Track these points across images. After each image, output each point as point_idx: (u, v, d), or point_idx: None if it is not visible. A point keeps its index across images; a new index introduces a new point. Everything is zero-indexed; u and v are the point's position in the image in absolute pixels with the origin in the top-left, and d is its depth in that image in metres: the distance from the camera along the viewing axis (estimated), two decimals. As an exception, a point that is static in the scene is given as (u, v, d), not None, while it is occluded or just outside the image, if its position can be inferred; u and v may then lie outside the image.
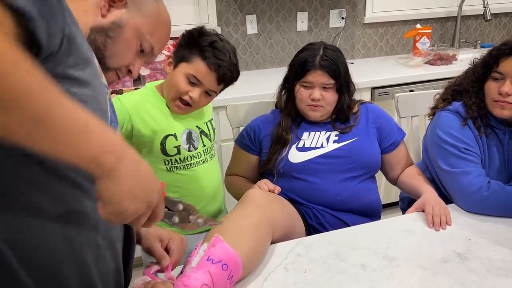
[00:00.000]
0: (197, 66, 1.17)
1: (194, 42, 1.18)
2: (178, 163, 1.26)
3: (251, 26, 2.56)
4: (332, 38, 2.75)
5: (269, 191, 1.21)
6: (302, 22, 2.66)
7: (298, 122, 1.40)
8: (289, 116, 1.39)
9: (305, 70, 1.31)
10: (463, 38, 3.01)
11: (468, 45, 3.01)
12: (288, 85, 1.39)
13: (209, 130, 1.34)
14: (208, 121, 1.35)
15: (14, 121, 0.46)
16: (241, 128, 1.53)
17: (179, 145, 1.25)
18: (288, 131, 1.36)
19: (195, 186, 1.30)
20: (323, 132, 1.36)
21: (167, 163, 1.26)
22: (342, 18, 2.72)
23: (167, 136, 1.23)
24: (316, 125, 1.38)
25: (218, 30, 2.47)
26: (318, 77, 1.29)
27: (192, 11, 2.42)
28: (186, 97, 1.20)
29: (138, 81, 2.24)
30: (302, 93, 1.33)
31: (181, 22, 2.38)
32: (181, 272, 0.90)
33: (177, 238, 0.94)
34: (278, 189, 1.22)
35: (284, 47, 2.68)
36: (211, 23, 2.46)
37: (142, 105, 1.23)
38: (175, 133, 1.24)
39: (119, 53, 0.81)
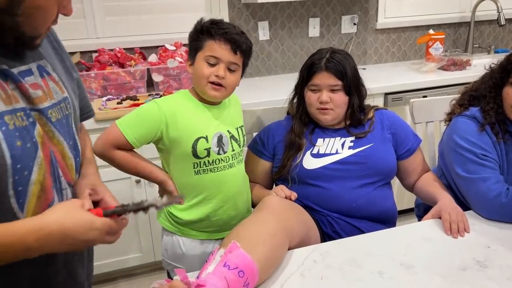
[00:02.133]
0: (210, 46, 1.21)
1: (198, 32, 1.22)
2: (206, 166, 1.27)
3: (263, 32, 2.57)
4: (344, 44, 2.75)
5: (286, 197, 1.20)
6: (314, 28, 2.66)
7: (312, 128, 1.39)
8: (301, 121, 1.38)
9: (311, 72, 1.32)
10: (477, 44, 2.99)
11: (481, 51, 2.98)
12: (298, 90, 1.39)
13: (239, 135, 1.34)
14: (239, 127, 1.36)
15: None
16: (254, 134, 1.53)
17: (210, 148, 1.25)
18: (301, 136, 1.36)
19: (219, 189, 1.30)
20: (338, 138, 1.36)
21: (196, 166, 1.26)
22: (354, 24, 2.72)
23: (198, 138, 1.25)
24: (330, 131, 1.38)
25: (231, 37, 2.48)
26: (324, 79, 1.29)
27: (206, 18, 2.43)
28: (213, 79, 1.22)
29: (151, 87, 2.26)
30: (310, 97, 1.33)
31: (194, 29, 2.40)
32: (197, 277, 0.90)
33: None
34: (294, 195, 1.21)
35: (296, 53, 2.68)
36: (224, 30, 2.47)
37: (177, 108, 1.25)
38: (206, 136, 1.25)
39: (38, 22, 0.72)
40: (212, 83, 1.22)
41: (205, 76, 1.21)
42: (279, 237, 1.03)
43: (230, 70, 1.23)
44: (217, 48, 1.20)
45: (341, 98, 1.31)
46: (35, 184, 0.73)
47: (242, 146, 1.35)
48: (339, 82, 1.30)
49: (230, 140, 1.30)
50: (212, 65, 1.21)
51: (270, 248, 0.99)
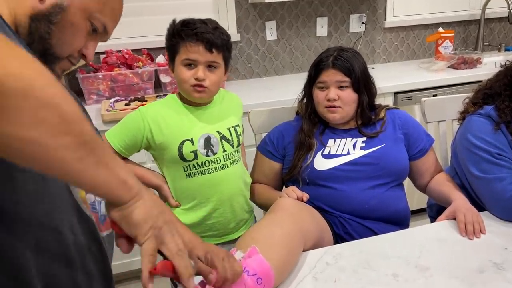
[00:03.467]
0: (184, 49, 1.20)
1: (171, 36, 1.21)
2: (196, 168, 1.26)
3: (271, 32, 2.56)
4: (352, 43, 2.72)
5: (297, 198, 1.19)
6: (321, 27, 2.64)
7: (322, 128, 1.38)
8: (310, 121, 1.37)
9: (318, 70, 1.30)
10: (487, 42, 2.95)
11: (492, 48, 2.94)
12: (307, 90, 1.38)
13: (231, 136, 1.33)
14: (232, 126, 1.34)
15: (64, 145, 0.50)
16: (264, 135, 1.51)
17: (196, 150, 1.25)
18: (311, 136, 1.34)
19: (212, 191, 1.29)
20: (349, 139, 1.34)
21: (186, 169, 1.26)
22: (362, 22, 2.69)
23: (184, 141, 1.24)
24: (341, 131, 1.36)
25: (238, 37, 2.48)
26: (331, 75, 1.28)
27: (213, 19, 2.42)
28: (193, 82, 1.21)
29: (159, 88, 2.26)
30: (318, 95, 1.31)
31: (201, 30, 2.40)
32: None
33: (213, 251, 0.78)
34: (306, 196, 1.20)
35: (304, 52, 2.66)
36: (231, 30, 2.46)
37: (161, 113, 1.26)
38: (191, 138, 1.25)
39: (67, 39, 0.73)
40: (195, 85, 1.21)
41: (185, 81, 1.21)
42: (295, 239, 1.02)
43: (210, 68, 1.22)
44: (191, 50, 1.19)
45: (349, 96, 1.29)
46: None
47: (237, 146, 1.34)
48: (347, 79, 1.28)
49: (221, 140, 1.29)
50: (191, 68, 1.21)
51: (287, 251, 0.98)
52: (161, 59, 2.23)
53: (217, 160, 1.28)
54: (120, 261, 2.02)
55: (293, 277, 0.98)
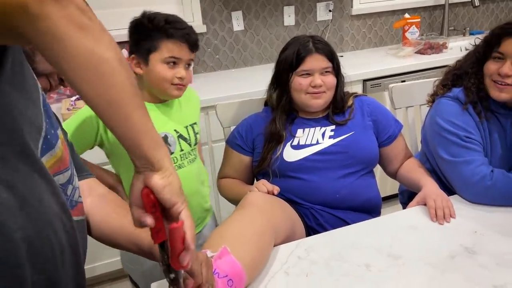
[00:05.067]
0: (168, 47, 1.17)
1: (150, 30, 1.17)
2: None
3: (237, 22, 2.50)
4: (320, 32, 2.70)
5: (268, 192, 1.16)
6: (289, 16, 2.61)
7: (292, 118, 1.35)
8: (284, 112, 1.33)
9: (301, 57, 1.26)
10: (452, 26, 2.98)
11: (457, 33, 2.98)
12: (280, 80, 1.33)
13: (189, 134, 1.29)
14: (190, 125, 1.31)
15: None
16: (232, 128, 1.47)
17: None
18: (283, 128, 1.31)
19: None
20: (317, 128, 1.31)
21: None
22: (330, 10, 2.67)
23: None
24: (311, 120, 1.33)
25: (204, 28, 2.42)
26: (316, 62, 1.26)
27: (176, 10, 2.35)
28: (176, 81, 1.19)
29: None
30: (301, 82, 1.27)
31: (165, 22, 2.32)
32: None
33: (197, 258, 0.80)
34: (277, 189, 1.17)
35: (272, 43, 2.62)
36: (196, 21, 2.40)
37: None
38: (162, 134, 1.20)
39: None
40: (177, 84, 1.20)
41: (168, 79, 1.18)
42: (266, 236, 0.99)
43: (187, 67, 1.22)
44: (177, 49, 1.17)
45: (332, 80, 1.28)
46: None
47: (194, 145, 1.31)
48: (330, 64, 1.27)
49: (178, 139, 1.26)
50: (172, 65, 1.18)
51: (257, 249, 0.95)
52: (123, 53, 2.14)
53: (174, 160, 1.25)
54: (104, 261, 1.95)
55: (264, 274, 0.95)
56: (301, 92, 1.28)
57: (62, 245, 0.62)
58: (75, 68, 0.55)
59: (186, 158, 1.28)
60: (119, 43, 2.03)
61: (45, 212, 0.59)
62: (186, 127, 1.29)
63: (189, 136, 1.29)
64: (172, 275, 0.69)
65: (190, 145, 1.28)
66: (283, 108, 1.33)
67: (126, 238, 0.86)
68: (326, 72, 1.27)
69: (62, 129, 0.80)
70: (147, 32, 1.16)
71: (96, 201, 0.86)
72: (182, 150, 1.26)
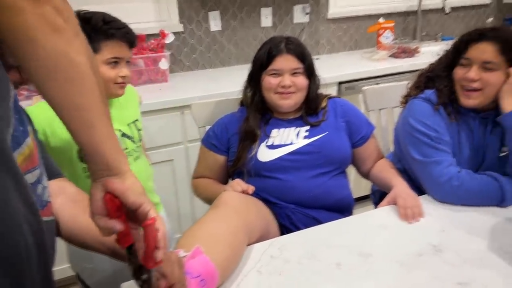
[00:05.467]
0: (109, 48, 1.16)
1: (88, 32, 1.14)
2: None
3: (215, 23, 2.50)
4: (297, 34, 2.72)
5: (243, 191, 1.16)
6: (266, 18, 2.62)
7: (267, 118, 1.36)
8: (257, 111, 1.34)
9: (271, 57, 1.27)
10: (424, 32, 3.06)
11: (429, 38, 3.06)
12: (254, 79, 1.34)
13: (132, 132, 1.29)
14: (132, 122, 1.31)
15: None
16: (208, 128, 1.47)
17: None
18: (257, 127, 1.32)
19: None
20: (292, 128, 1.32)
21: (86, 170, 1.21)
22: (307, 13, 2.70)
23: None
24: (285, 121, 1.34)
25: (180, 27, 2.40)
26: (286, 62, 1.26)
27: (153, 9, 2.33)
28: (119, 80, 1.20)
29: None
30: (271, 81, 1.28)
31: (142, 20, 2.30)
32: None
33: (167, 254, 0.80)
34: (252, 188, 1.17)
35: (249, 43, 2.63)
36: (173, 20, 2.38)
37: (54, 115, 1.18)
38: None
39: None
40: (120, 83, 1.20)
41: (111, 80, 1.18)
42: (240, 235, 0.99)
43: (128, 64, 1.23)
44: (119, 49, 1.17)
45: (303, 82, 1.29)
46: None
47: (138, 141, 1.31)
48: (301, 65, 1.27)
49: (121, 138, 1.26)
50: (114, 65, 1.18)
51: (231, 249, 0.95)
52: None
53: None
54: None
55: (237, 272, 0.95)
56: (271, 91, 1.29)
57: (29, 247, 0.61)
58: (44, 69, 0.53)
59: (131, 155, 1.28)
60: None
61: (12, 213, 0.57)
62: (129, 124, 1.28)
63: (133, 134, 1.29)
64: (145, 276, 0.68)
65: (134, 142, 1.29)
66: (256, 106, 1.34)
67: (95, 239, 0.84)
68: (297, 73, 1.28)
69: (32, 127, 0.78)
70: (85, 35, 1.15)
71: (65, 201, 0.84)
72: (126, 148, 1.26)
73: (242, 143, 1.31)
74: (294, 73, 1.28)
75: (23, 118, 0.65)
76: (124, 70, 1.20)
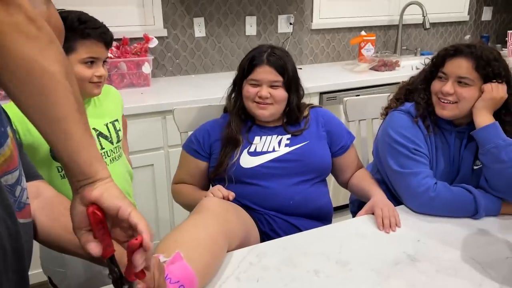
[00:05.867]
0: (85, 48, 1.16)
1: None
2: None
3: (199, 29, 2.51)
4: (280, 44, 2.75)
5: (223, 197, 1.16)
6: (250, 26, 2.65)
7: (249, 126, 1.36)
8: (238, 116, 1.35)
9: (252, 65, 1.29)
10: (405, 46, 3.14)
11: (409, 52, 3.14)
12: (237, 85, 1.36)
13: (109, 131, 1.28)
14: (110, 122, 1.30)
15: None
16: (190, 133, 1.47)
17: None
18: (238, 133, 1.32)
19: None
20: (274, 136, 1.34)
21: (60, 169, 1.20)
22: (290, 23, 2.73)
23: None
24: (267, 129, 1.36)
25: (164, 32, 2.40)
26: (265, 73, 1.27)
27: (137, 13, 2.33)
28: (96, 79, 1.20)
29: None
30: (249, 90, 1.30)
31: (126, 23, 2.29)
32: None
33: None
34: (232, 195, 1.18)
35: (233, 51, 2.64)
36: (157, 25, 2.38)
37: None
38: None
39: None
40: (96, 82, 1.20)
41: (87, 79, 1.18)
42: (219, 242, 0.99)
43: (104, 63, 1.23)
44: (95, 49, 1.17)
45: (281, 94, 1.29)
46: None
47: (117, 143, 1.31)
48: (280, 78, 1.28)
49: (98, 138, 1.25)
50: (90, 64, 1.18)
51: (210, 255, 0.94)
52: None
53: None
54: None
55: (216, 279, 0.95)
56: (249, 100, 1.31)
57: (5, 250, 0.60)
58: (16, 79, 0.52)
59: (108, 156, 1.27)
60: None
61: None
62: (106, 124, 1.28)
63: (110, 134, 1.28)
64: (126, 287, 0.67)
65: (112, 143, 1.28)
66: (237, 112, 1.35)
67: (73, 243, 0.83)
68: (275, 85, 1.29)
69: (12, 127, 0.76)
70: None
71: (43, 203, 0.83)
72: (103, 148, 1.25)
73: (224, 148, 1.32)
74: (272, 86, 1.29)
75: (3, 119, 0.64)
76: (100, 70, 1.19)
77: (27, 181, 0.75)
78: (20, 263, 0.65)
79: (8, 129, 0.65)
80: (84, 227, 0.62)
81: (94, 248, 0.62)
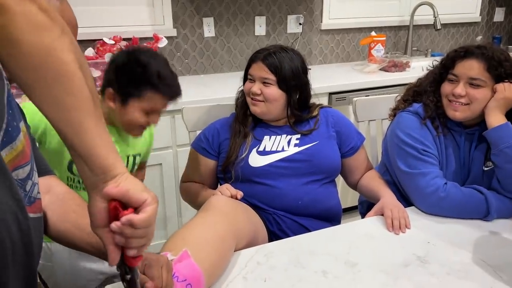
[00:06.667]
0: (152, 99, 1.16)
1: (139, 79, 1.14)
2: (79, 184, 1.22)
3: (208, 29, 2.51)
4: (290, 44, 2.75)
5: (231, 196, 1.16)
6: (260, 26, 2.64)
7: (256, 124, 1.36)
8: (242, 109, 1.37)
9: (250, 62, 1.33)
10: (415, 47, 3.11)
11: (419, 53, 3.11)
12: (244, 81, 1.38)
13: (128, 164, 1.29)
14: (132, 155, 1.30)
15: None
16: (198, 132, 1.47)
17: None
18: (246, 124, 1.34)
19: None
20: (284, 136, 1.33)
21: (69, 180, 1.21)
22: (300, 24, 2.73)
23: None
24: (275, 128, 1.35)
25: (174, 32, 2.41)
26: (257, 70, 1.30)
27: (147, 12, 2.34)
28: (146, 125, 1.20)
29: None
30: (246, 86, 1.33)
31: (136, 23, 2.30)
32: None
33: (152, 259, 0.81)
34: (240, 194, 1.17)
35: (242, 51, 2.64)
36: (167, 25, 2.38)
37: None
38: None
39: None
40: (142, 126, 1.21)
41: (139, 123, 1.19)
42: (227, 241, 0.99)
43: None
44: (159, 102, 1.17)
45: (272, 93, 1.28)
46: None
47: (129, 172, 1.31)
48: (271, 76, 1.28)
49: None
50: (148, 114, 1.18)
51: (219, 253, 0.94)
52: (90, 51, 2.10)
53: None
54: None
55: (223, 278, 0.95)
56: (247, 95, 1.34)
57: (15, 244, 0.60)
58: (30, 68, 0.51)
59: None
60: (89, 41, 2.01)
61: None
62: (128, 156, 1.28)
63: (127, 165, 1.28)
64: (128, 276, 0.67)
65: None
66: (242, 107, 1.37)
67: (83, 239, 0.83)
68: (267, 83, 1.29)
69: (26, 122, 0.77)
70: (136, 79, 1.13)
71: (54, 198, 0.83)
72: None
73: (233, 139, 1.32)
74: (264, 82, 1.29)
75: (16, 114, 0.64)
76: (156, 120, 1.20)
77: (39, 176, 0.76)
78: (29, 259, 0.65)
79: (21, 124, 0.65)
80: (105, 225, 0.61)
81: (115, 253, 0.61)
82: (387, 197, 1.25)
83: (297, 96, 1.32)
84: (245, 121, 1.35)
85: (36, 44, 0.51)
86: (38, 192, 0.70)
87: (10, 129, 0.60)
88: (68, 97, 0.55)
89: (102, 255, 0.82)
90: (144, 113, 1.17)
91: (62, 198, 0.83)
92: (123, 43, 2.15)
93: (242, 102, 1.38)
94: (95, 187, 0.60)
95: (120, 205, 0.60)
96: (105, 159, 0.59)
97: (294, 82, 1.30)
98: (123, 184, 0.60)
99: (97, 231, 0.62)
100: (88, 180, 0.60)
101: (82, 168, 0.60)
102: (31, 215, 0.65)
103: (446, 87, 1.26)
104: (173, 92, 1.19)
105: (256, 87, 1.29)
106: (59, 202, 0.83)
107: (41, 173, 0.80)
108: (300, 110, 1.35)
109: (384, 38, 2.80)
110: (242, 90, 1.39)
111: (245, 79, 1.37)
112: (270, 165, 1.28)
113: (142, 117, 1.17)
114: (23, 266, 0.62)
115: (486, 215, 1.18)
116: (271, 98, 1.29)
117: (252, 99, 1.31)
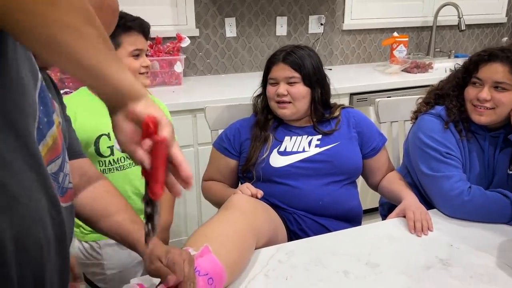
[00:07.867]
0: (129, 41, 1.25)
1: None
2: (112, 165, 1.26)
3: (230, 29, 2.53)
4: (311, 44, 2.74)
5: (252, 195, 1.17)
6: (281, 26, 2.65)
7: (276, 125, 1.37)
8: (263, 116, 1.37)
9: (270, 65, 1.32)
10: (438, 48, 3.07)
11: (442, 55, 3.06)
12: (263, 86, 1.39)
13: None
14: None
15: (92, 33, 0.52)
16: (220, 131, 1.48)
17: (113, 146, 1.24)
18: (266, 129, 1.34)
19: (127, 187, 1.31)
20: (304, 137, 1.34)
21: (101, 164, 1.25)
22: (321, 24, 2.72)
23: (100, 135, 1.23)
24: (297, 128, 1.36)
25: (196, 32, 2.44)
26: (280, 71, 1.29)
27: (170, 12, 2.37)
28: (143, 70, 1.28)
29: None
30: (269, 90, 1.33)
31: (159, 23, 2.33)
32: None
33: (175, 252, 0.81)
34: (260, 193, 1.18)
35: (263, 51, 2.65)
36: (189, 25, 2.41)
37: (77, 106, 1.23)
38: (108, 133, 1.23)
39: None
40: (144, 73, 1.31)
41: (136, 70, 1.26)
42: (247, 238, 1.00)
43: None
44: (138, 40, 1.26)
45: (299, 91, 1.29)
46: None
47: None
48: (296, 74, 1.28)
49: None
50: (136, 57, 1.27)
51: (238, 251, 0.96)
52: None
53: (117, 161, 1.28)
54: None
55: (244, 275, 0.96)
56: (271, 100, 1.33)
57: (49, 239, 0.62)
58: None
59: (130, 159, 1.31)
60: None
61: (35, 208, 0.58)
62: None
63: None
64: (149, 209, 0.62)
65: None
66: (262, 112, 1.38)
67: (109, 227, 0.86)
68: (293, 82, 1.29)
69: (63, 110, 0.79)
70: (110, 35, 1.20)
71: (85, 182, 0.87)
72: (113, 154, 1.29)
73: (253, 143, 1.33)
74: (290, 82, 1.29)
75: (49, 107, 0.65)
76: (146, 60, 1.28)
77: (72, 158, 0.78)
78: (62, 247, 0.67)
79: (54, 116, 0.66)
80: (133, 141, 0.59)
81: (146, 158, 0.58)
82: (409, 199, 1.24)
83: (320, 92, 1.33)
84: (266, 126, 1.36)
85: (47, 17, 0.48)
86: (70, 182, 0.72)
87: (41, 126, 0.61)
88: (70, 17, 0.50)
89: (126, 244, 0.85)
90: (133, 58, 1.27)
91: (92, 183, 0.87)
92: (148, 43, 2.19)
93: (263, 107, 1.38)
94: (118, 108, 0.58)
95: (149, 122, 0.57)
96: (130, 80, 0.57)
97: (316, 77, 1.31)
98: (146, 104, 0.58)
99: (128, 146, 0.60)
100: (111, 101, 0.58)
101: (104, 93, 0.57)
102: (63, 204, 0.68)
103: (470, 92, 1.24)
104: (140, 24, 1.26)
105: (282, 88, 1.29)
106: (89, 186, 0.87)
107: (74, 156, 0.83)
108: (322, 107, 1.35)
109: (407, 39, 2.77)
110: (259, 95, 1.40)
111: (264, 84, 1.37)
112: (291, 165, 1.29)
113: (133, 62, 1.26)
114: (57, 254, 0.65)
115: (510, 220, 1.16)
116: (299, 96, 1.29)
117: (278, 102, 1.31)
